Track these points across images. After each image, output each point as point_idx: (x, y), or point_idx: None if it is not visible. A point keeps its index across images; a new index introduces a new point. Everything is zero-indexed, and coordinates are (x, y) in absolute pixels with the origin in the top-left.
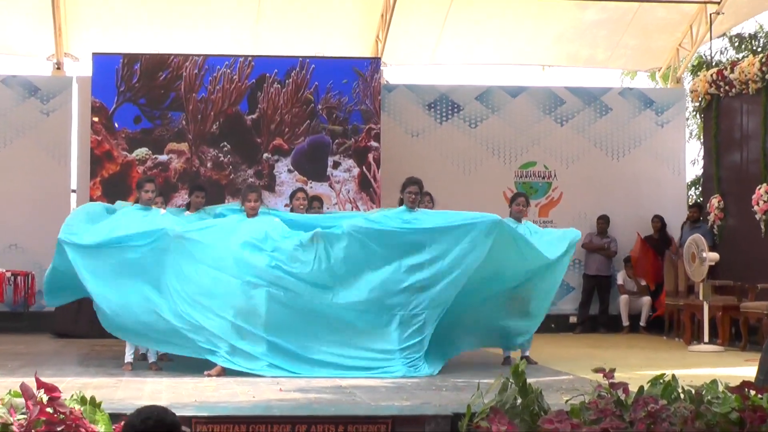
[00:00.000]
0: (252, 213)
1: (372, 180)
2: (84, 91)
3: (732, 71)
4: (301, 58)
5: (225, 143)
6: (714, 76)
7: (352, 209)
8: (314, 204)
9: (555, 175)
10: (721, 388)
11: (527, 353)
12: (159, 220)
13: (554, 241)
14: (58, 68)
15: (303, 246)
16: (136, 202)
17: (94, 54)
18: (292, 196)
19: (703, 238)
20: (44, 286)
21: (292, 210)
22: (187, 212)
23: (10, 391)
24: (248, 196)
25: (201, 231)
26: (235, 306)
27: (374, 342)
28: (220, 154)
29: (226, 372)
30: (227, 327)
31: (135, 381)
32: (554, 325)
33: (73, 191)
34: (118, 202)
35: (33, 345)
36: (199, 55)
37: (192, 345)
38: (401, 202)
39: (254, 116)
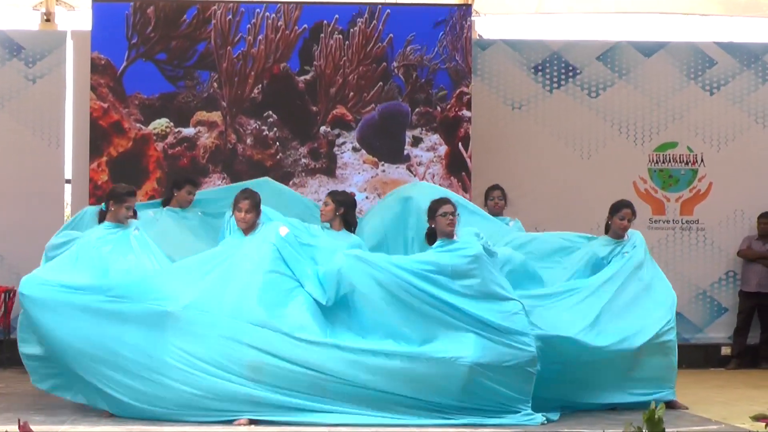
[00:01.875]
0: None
1: (468, 160)
2: (82, 49)
3: None
4: (370, 4)
5: (270, 113)
6: None
7: None
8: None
9: (702, 160)
10: None
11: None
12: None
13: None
14: (48, 20)
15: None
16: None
17: (94, 1)
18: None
19: None
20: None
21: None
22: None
23: None
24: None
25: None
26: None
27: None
28: (263, 127)
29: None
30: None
31: (151, 429)
32: (702, 358)
33: (68, 181)
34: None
35: (16, 382)
36: (232, 1)
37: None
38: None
39: (308, 77)
